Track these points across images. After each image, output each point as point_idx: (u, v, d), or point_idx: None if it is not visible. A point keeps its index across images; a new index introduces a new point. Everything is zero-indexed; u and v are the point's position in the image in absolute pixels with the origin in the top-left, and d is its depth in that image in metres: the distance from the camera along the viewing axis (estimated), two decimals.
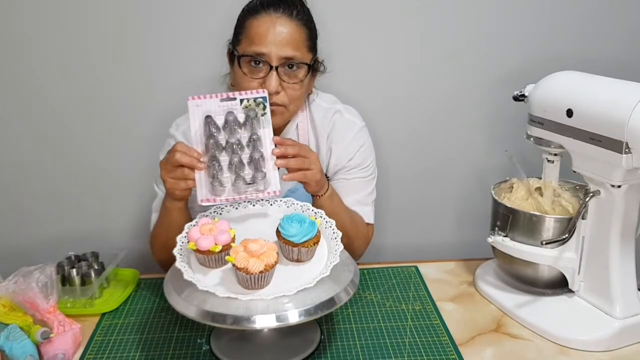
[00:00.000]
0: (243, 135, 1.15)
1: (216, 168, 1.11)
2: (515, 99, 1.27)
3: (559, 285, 1.23)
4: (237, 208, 1.20)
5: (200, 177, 1.11)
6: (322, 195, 1.26)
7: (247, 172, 1.12)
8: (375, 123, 1.50)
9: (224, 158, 1.13)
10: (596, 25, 1.68)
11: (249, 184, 1.11)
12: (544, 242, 1.17)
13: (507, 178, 1.35)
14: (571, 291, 1.22)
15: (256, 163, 1.12)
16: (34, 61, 1.60)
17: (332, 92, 1.45)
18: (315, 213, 1.16)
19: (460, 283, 1.37)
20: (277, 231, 1.08)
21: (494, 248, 1.29)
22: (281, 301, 0.98)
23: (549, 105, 1.18)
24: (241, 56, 1.23)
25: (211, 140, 1.13)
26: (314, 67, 1.30)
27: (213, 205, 1.15)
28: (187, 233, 1.10)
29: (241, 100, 1.15)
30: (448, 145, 1.77)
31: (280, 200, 1.21)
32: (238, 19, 1.28)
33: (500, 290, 1.29)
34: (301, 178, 1.17)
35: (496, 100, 1.71)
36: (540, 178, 1.31)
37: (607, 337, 1.12)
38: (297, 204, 1.19)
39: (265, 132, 1.15)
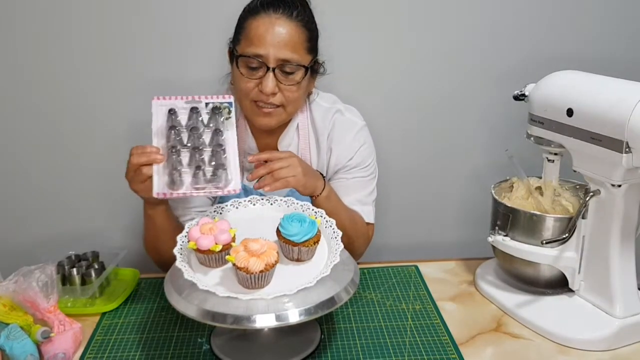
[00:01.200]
0: (206, 132, 1.15)
1: (175, 160, 1.09)
2: (516, 98, 1.27)
3: (559, 284, 1.22)
4: (237, 208, 1.20)
5: (158, 169, 1.09)
6: (317, 196, 1.26)
7: (208, 169, 1.11)
8: (376, 122, 1.51)
9: (185, 153, 1.12)
10: (597, 25, 1.68)
11: (209, 180, 1.09)
12: (544, 242, 1.17)
13: (508, 177, 1.35)
14: (571, 290, 1.22)
15: (218, 160, 1.11)
16: (40, 62, 1.60)
17: (333, 92, 1.45)
18: (316, 212, 1.16)
19: (461, 282, 1.36)
20: (278, 230, 1.08)
21: (494, 247, 1.29)
22: (281, 300, 0.98)
23: (550, 104, 1.18)
24: (239, 56, 1.23)
25: (173, 131, 1.12)
26: (313, 69, 1.30)
27: (168, 199, 1.12)
28: (187, 232, 1.10)
29: (206, 104, 1.16)
30: (448, 144, 1.77)
31: (281, 200, 1.21)
32: (239, 19, 1.27)
33: (501, 290, 1.29)
34: (284, 185, 1.18)
35: (496, 99, 1.71)
36: (540, 177, 1.31)
37: (607, 337, 1.12)
38: (297, 203, 1.19)
39: (229, 134, 1.15)
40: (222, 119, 1.15)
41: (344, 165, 1.38)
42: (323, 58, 1.33)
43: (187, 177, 1.10)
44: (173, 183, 1.08)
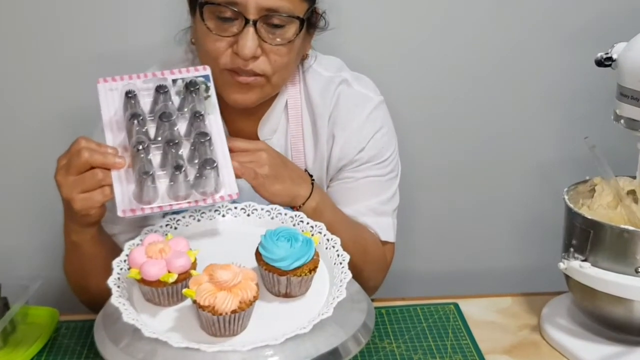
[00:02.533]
0: (180, 119, 1.15)
1: (143, 161, 1.08)
2: (599, 63, 1.26)
3: None
4: (199, 220, 1.19)
5: (119, 177, 1.09)
6: (297, 208, 1.26)
7: (191, 169, 1.11)
8: (398, 99, 1.51)
9: (155, 150, 1.12)
10: None
11: (193, 185, 1.09)
12: None
13: (587, 177, 1.35)
14: None
15: (203, 154, 1.11)
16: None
17: (337, 56, 1.45)
18: (312, 227, 1.16)
19: (520, 328, 1.36)
20: (257, 253, 1.08)
21: (567, 277, 1.28)
22: (263, 354, 0.97)
23: None
24: (205, 4, 1.22)
25: (135, 121, 1.11)
26: (310, 22, 1.30)
27: (139, 217, 1.12)
28: (127, 255, 1.10)
29: (174, 81, 1.16)
30: (500, 131, 1.78)
31: (262, 209, 1.20)
32: None
33: (578, 338, 1.28)
34: (250, 179, 1.18)
35: (570, 66, 1.71)
36: (634, 177, 1.31)
37: None
38: (286, 213, 1.19)
39: (212, 120, 1.16)
40: (201, 99, 1.16)
41: (352, 159, 1.38)
42: (324, 7, 1.33)
43: (162, 183, 1.10)
44: (142, 194, 1.07)
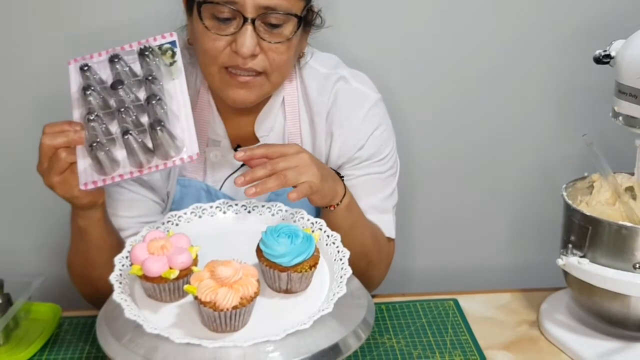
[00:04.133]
0: (138, 86, 1.14)
1: (97, 131, 1.08)
2: (598, 60, 1.27)
3: None
4: (200, 217, 1.19)
5: (82, 152, 1.08)
6: (336, 205, 1.25)
7: (148, 138, 1.09)
8: (396, 96, 1.51)
9: (110, 119, 1.11)
10: None
11: (153, 151, 1.08)
12: (637, 265, 1.16)
13: (586, 174, 1.35)
14: None
15: (156, 117, 1.09)
16: None
17: (334, 53, 1.45)
18: (313, 224, 1.16)
19: (519, 323, 1.37)
20: (258, 249, 1.08)
21: (566, 274, 1.29)
22: (263, 349, 0.97)
23: None
24: (203, 3, 1.22)
25: (88, 92, 1.11)
26: (306, 20, 1.30)
27: (98, 188, 1.10)
28: (129, 252, 1.10)
29: (141, 51, 1.15)
30: (499, 128, 1.77)
31: (262, 206, 1.20)
32: None
33: (576, 334, 1.29)
34: (299, 195, 1.16)
35: (568, 64, 1.71)
36: (632, 174, 1.31)
37: None
38: (287, 210, 1.19)
39: (176, 85, 1.15)
40: (157, 62, 1.15)
41: (351, 157, 1.38)
42: (320, 4, 1.33)
43: (120, 153, 1.09)
44: (101, 165, 1.07)
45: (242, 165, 1.36)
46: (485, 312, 1.39)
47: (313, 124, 1.39)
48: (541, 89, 1.75)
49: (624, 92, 1.22)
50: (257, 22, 1.21)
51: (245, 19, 1.20)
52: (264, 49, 1.24)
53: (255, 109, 1.36)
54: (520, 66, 1.72)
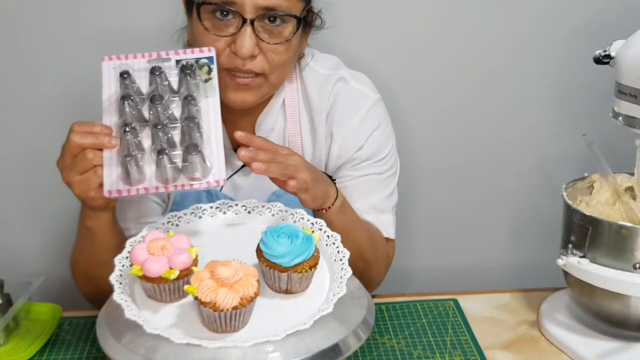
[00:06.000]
0: (176, 103, 1.14)
1: (130, 143, 1.08)
2: (598, 61, 1.27)
3: None
4: (200, 217, 1.19)
5: (109, 159, 1.09)
6: (328, 208, 1.25)
7: (177, 153, 1.10)
8: (396, 96, 1.51)
9: (144, 132, 1.11)
10: None
11: (181, 169, 1.09)
12: (637, 266, 1.16)
13: (585, 174, 1.35)
14: None
15: (190, 139, 1.10)
16: None
17: (334, 53, 1.45)
18: (313, 224, 1.16)
19: (519, 323, 1.37)
20: (258, 250, 1.08)
21: (566, 274, 1.29)
22: (264, 349, 0.97)
23: None
24: (202, 4, 1.22)
25: (126, 102, 1.11)
26: (306, 21, 1.30)
27: (124, 198, 1.12)
28: (129, 252, 1.10)
29: (177, 62, 1.15)
30: (499, 128, 1.77)
31: (262, 206, 1.20)
32: None
33: (576, 334, 1.29)
34: (295, 187, 1.16)
35: (568, 64, 1.71)
36: (632, 174, 1.31)
37: None
38: (287, 211, 1.19)
39: (209, 103, 1.15)
40: (197, 82, 1.15)
41: (351, 157, 1.38)
42: (320, 5, 1.33)
43: (148, 166, 1.10)
44: (129, 176, 1.07)
45: (242, 166, 1.36)
46: (486, 312, 1.39)
47: (313, 125, 1.39)
48: (541, 89, 1.75)
49: (624, 92, 1.22)
50: (257, 23, 1.21)
51: (244, 20, 1.20)
52: (263, 49, 1.24)
53: (255, 110, 1.36)
54: (520, 66, 1.72)
